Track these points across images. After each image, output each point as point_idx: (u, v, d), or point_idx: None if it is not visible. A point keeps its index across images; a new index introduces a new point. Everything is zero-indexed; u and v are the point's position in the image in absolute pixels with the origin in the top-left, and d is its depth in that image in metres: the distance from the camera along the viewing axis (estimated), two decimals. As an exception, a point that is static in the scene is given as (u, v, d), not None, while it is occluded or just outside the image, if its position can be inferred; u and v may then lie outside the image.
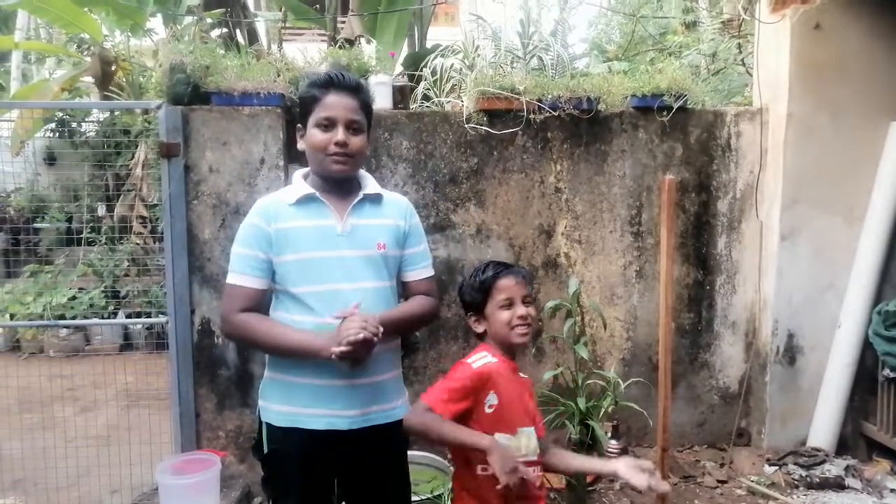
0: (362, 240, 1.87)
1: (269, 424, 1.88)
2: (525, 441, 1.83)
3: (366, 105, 1.89)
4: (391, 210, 1.96)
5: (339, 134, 1.81)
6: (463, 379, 1.78)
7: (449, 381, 1.79)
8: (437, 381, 1.82)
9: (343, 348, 1.67)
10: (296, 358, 1.81)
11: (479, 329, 1.90)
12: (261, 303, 1.87)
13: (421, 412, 1.74)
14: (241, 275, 1.85)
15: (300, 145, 1.91)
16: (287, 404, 1.85)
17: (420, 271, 2.02)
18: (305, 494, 1.87)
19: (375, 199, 1.94)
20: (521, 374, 1.94)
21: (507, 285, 1.85)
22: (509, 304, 1.85)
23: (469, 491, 1.85)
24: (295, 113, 3.39)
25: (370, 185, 1.96)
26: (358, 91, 1.86)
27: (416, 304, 1.97)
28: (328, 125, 1.82)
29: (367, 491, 1.94)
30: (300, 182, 1.91)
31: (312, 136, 1.83)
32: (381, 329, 1.73)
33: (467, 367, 1.81)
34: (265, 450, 1.90)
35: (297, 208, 1.85)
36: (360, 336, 1.67)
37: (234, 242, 1.88)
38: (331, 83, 1.83)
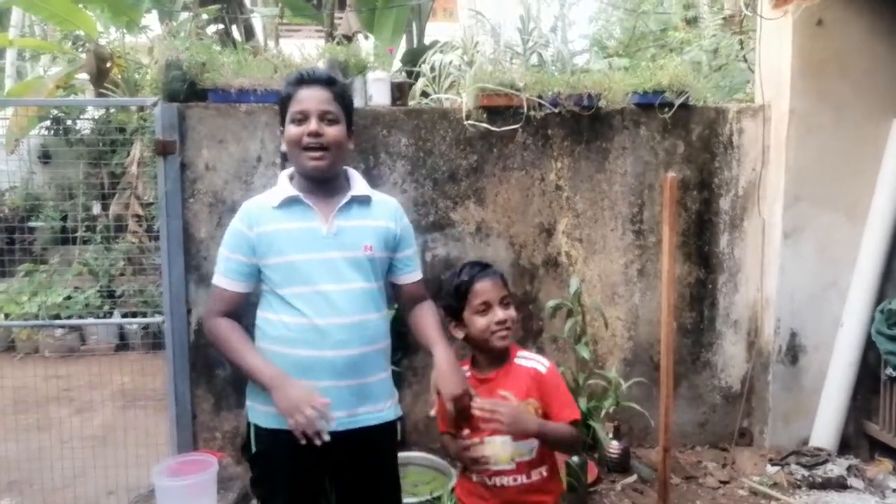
0: (348, 242, 1.85)
1: (256, 425, 1.88)
2: (494, 450, 1.77)
3: (341, 98, 1.87)
4: (380, 211, 1.94)
5: (312, 124, 1.80)
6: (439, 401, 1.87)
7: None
8: None
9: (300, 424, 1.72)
10: (249, 379, 1.87)
11: (459, 335, 1.88)
12: (240, 305, 1.89)
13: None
14: (222, 277, 1.88)
15: (283, 146, 1.91)
16: (274, 405, 1.82)
17: (413, 274, 2.03)
18: (293, 495, 1.87)
19: (364, 200, 1.92)
20: (526, 363, 1.89)
21: (483, 289, 1.82)
22: (486, 309, 1.81)
23: (468, 496, 1.87)
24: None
25: (358, 185, 1.94)
26: (330, 84, 1.85)
27: (433, 315, 1.99)
28: (302, 119, 1.82)
29: (356, 492, 1.93)
30: (285, 183, 1.89)
31: (288, 132, 1.84)
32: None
33: None
34: (253, 450, 1.89)
35: (281, 211, 1.85)
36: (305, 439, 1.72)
37: (221, 244, 1.90)
38: (301, 79, 1.85)
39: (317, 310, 1.78)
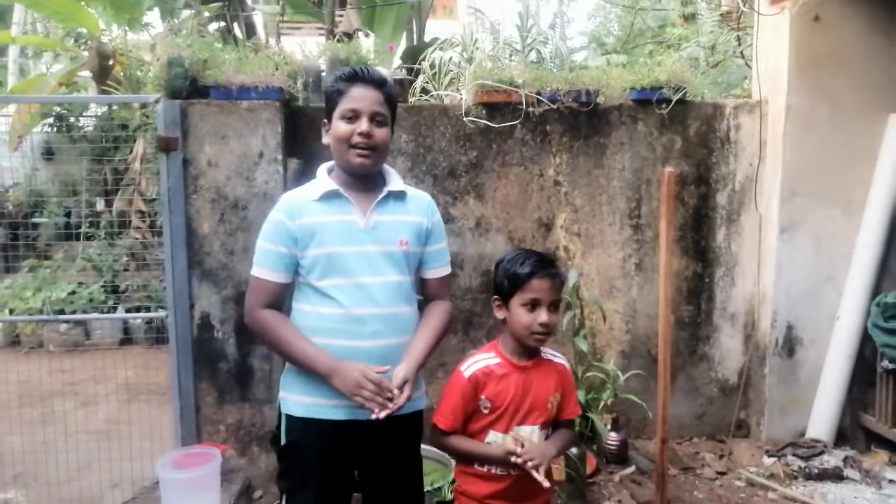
0: (384, 236, 1.88)
1: (288, 416, 1.90)
2: (525, 438, 1.84)
3: (390, 99, 1.90)
4: (414, 207, 1.97)
5: (364, 124, 1.82)
6: (457, 391, 1.87)
7: (448, 396, 1.88)
8: (441, 393, 1.94)
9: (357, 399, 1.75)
10: (302, 369, 1.86)
11: (500, 315, 1.90)
12: (282, 296, 1.91)
13: (437, 436, 1.89)
14: (264, 268, 1.88)
15: (325, 139, 1.92)
16: (308, 395, 1.86)
17: (439, 269, 2.03)
18: (322, 486, 1.88)
19: (399, 195, 1.95)
20: (554, 359, 1.97)
21: (539, 286, 1.82)
22: (534, 306, 1.82)
23: (469, 484, 1.91)
24: (294, 107, 3.41)
25: (394, 181, 1.97)
26: (383, 85, 1.88)
27: (436, 321, 1.97)
28: (353, 117, 1.84)
29: (382, 478, 1.96)
30: (324, 177, 1.92)
31: (337, 128, 1.85)
32: (400, 397, 1.75)
33: (459, 375, 1.89)
34: (283, 441, 1.91)
35: (321, 204, 1.87)
36: (374, 415, 1.72)
37: (259, 236, 1.92)
38: (356, 76, 1.86)
39: (354, 300, 1.81)
